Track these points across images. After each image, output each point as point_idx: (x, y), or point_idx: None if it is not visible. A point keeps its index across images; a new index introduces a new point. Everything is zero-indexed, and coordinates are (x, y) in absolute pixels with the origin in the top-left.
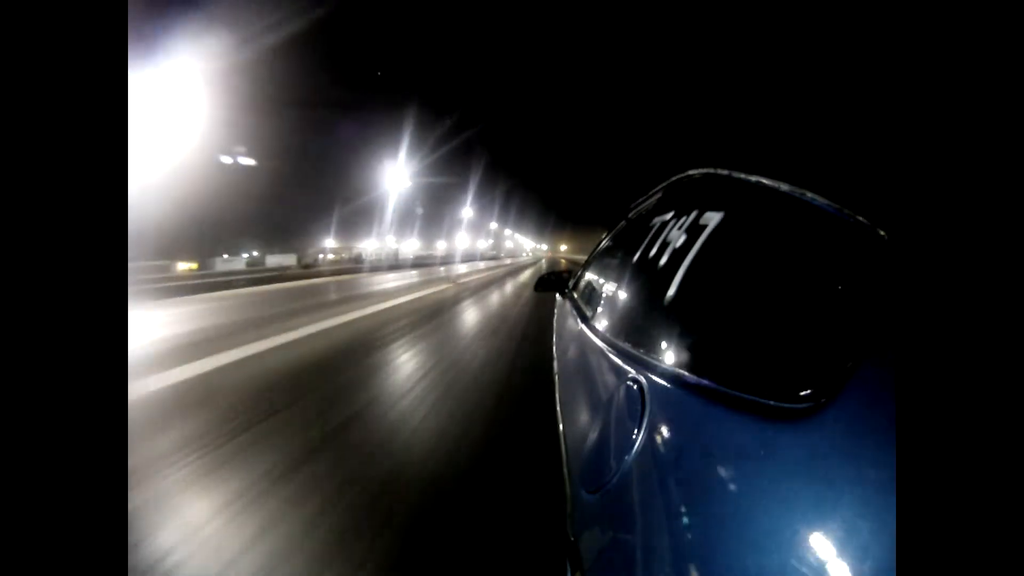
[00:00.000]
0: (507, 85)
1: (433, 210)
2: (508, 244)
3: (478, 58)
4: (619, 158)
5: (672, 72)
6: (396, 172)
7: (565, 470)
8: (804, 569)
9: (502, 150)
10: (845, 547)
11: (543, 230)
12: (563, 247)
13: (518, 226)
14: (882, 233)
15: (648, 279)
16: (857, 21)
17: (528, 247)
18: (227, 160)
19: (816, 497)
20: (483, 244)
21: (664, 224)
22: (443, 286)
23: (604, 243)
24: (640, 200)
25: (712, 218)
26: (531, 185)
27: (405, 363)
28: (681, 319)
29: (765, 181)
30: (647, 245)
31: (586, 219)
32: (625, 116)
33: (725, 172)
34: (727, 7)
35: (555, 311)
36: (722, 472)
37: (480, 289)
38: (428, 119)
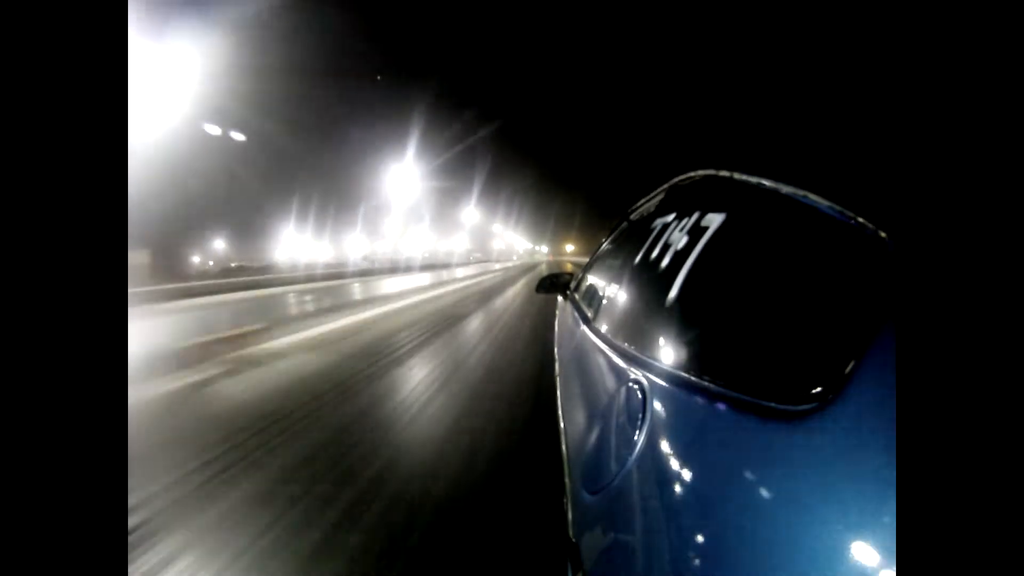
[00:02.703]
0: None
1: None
2: (499, 245)
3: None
4: (625, 152)
5: (676, 73)
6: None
7: (566, 471)
8: (806, 570)
9: (492, 127)
10: (846, 547)
11: (543, 227)
12: (569, 247)
13: (510, 221)
14: (883, 235)
15: (650, 281)
16: (859, 24)
17: (521, 248)
18: None
19: (817, 498)
20: (463, 245)
21: (666, 226)
22: None
23: (606, 245)
24: (642, 201)
25: (714, 220)
26: (527, 174)
27: None
28: (682, 321)
29: (767, 183)
30: (649, 247)
31: (595, 215)
32: (629, 114)
33: (727, 174)
34: (731, 7)
35: (556, 312)
36: (723, 473)
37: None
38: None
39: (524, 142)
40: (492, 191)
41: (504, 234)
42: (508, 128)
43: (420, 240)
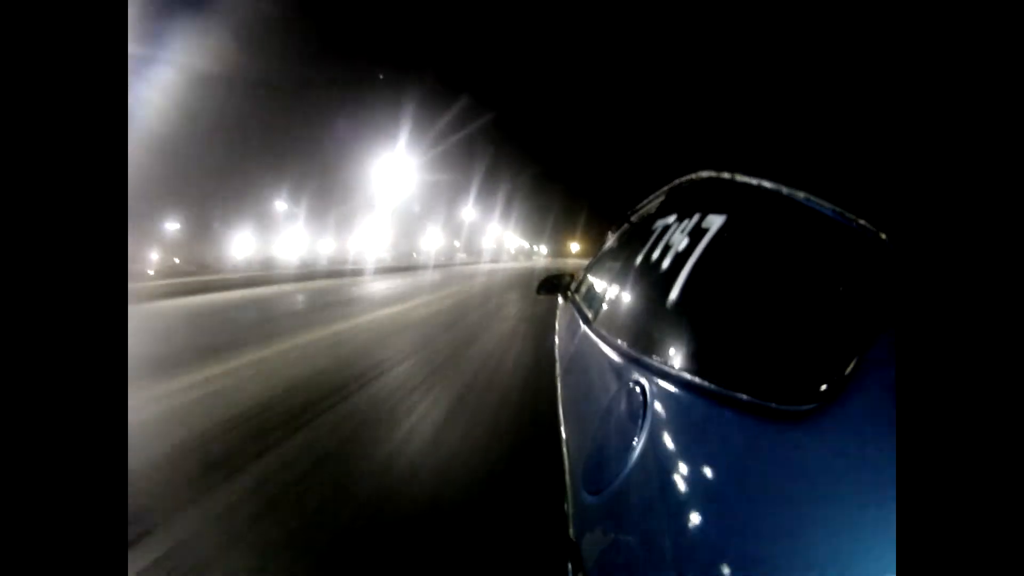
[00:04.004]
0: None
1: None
2: (489, 244)
3: None
4: (629, 146)
5: (677, 73)
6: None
7: (567, 471)
8: (805, 570)
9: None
10: (846, 547)
11: (543, 223)
12: (575, 246)
13: (495, 212)
14: (883, 236)
15: (650, 282)
16: (859, 25)
17: (514, 247)
18: None
19: (817, 498)
20: (438, 242)
21: (667, 227)
22: None
23: (607, 246)
24: (643, 203)
25: (714, 221)
26: (523, 162)
27: None
28: (683, 321)
29: (767, 184)
30: (649, 248)
31: (604, 211)
32: (631, 109)
33: (727, 175)
34: (732, 8)
35: (557, 313)
36: (723, 474)
37: None
38: None
39: (515, 132)
40: (474, 174)
41: (489, 226)
42: (486, 99)
43: (382, 236)
